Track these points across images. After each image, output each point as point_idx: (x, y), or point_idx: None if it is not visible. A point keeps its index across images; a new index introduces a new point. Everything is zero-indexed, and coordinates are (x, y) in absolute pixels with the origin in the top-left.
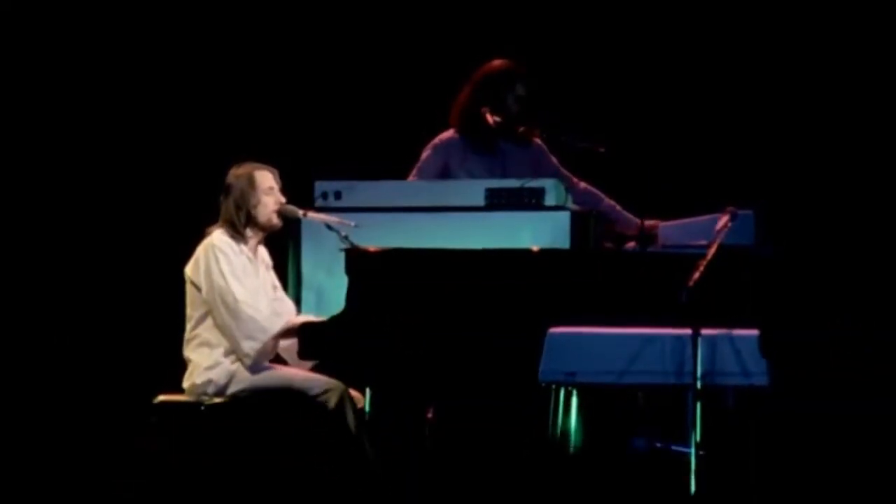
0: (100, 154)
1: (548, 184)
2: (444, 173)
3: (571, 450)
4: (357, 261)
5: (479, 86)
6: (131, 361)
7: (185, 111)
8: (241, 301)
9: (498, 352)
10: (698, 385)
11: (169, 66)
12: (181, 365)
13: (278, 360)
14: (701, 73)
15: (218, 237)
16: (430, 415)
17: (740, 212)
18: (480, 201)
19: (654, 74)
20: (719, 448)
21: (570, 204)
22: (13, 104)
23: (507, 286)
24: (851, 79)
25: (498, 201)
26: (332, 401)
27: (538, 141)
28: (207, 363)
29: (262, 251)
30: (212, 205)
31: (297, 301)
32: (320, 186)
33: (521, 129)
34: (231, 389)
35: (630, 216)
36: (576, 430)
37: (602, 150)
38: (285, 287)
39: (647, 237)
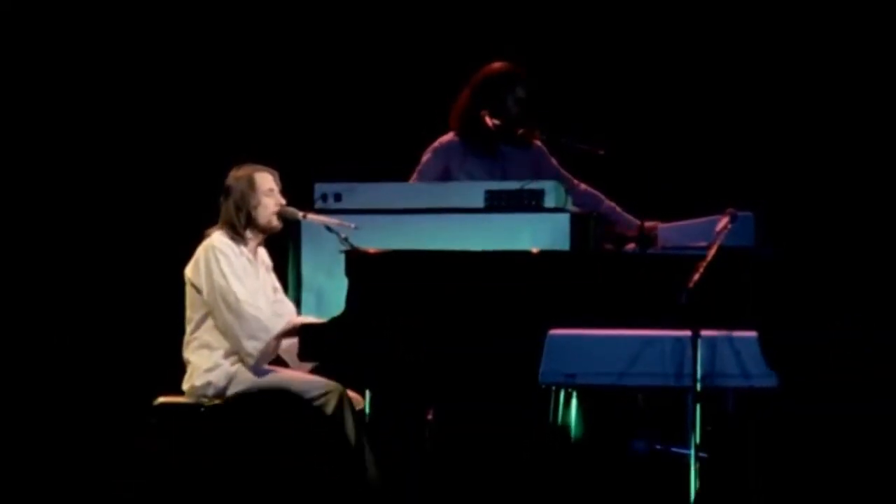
0: (99, 156)
1: (547, 186)
2: (445, 176)
3: (571, 452)
4: (357, 262)
5: (478, 88)
6: (131, 363)
7: (184, 113)
8: (243, 301)
9: (498, 353)
10: (698, 387)
11: (169, 67)
12: (181, 367)
13: (278, 361)
14: (700, 75)
15: (218, 239)
16: (430, 417)
17: (740, 213)
18: (480, 203)
19: (654, 76)
20: (719, 450)
21: (569, 206)
22: (13, 105)
23: (507, 288)
24: (851, 80)
25: (498, 203)
26: (331, 403)
27: (538, 143)
28: (207, 365)
29: (262, 253)
30: (211, 206)
31: (297, 303)
32: (320, 188)
33: (521, 131)
34: (231, 391)
35: (630, 218)
36: (576, 432)
37: (602, 151)
38: (285, 289)
39: (646, 239)
